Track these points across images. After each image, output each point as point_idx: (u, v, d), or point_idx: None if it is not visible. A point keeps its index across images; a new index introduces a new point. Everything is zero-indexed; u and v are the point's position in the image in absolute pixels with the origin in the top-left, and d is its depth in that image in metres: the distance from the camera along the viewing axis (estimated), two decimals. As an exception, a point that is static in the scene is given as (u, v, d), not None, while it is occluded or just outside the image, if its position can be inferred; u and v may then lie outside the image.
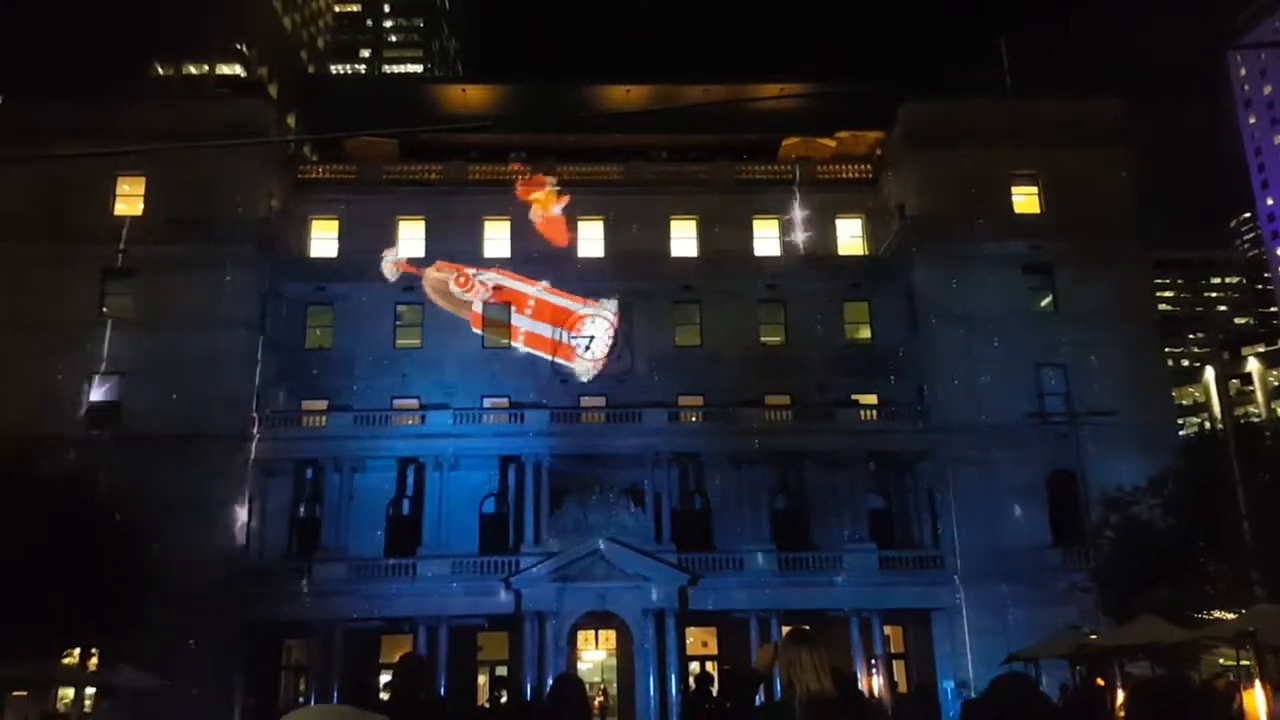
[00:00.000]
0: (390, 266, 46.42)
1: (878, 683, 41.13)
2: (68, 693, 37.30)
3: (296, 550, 44.48)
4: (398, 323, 49.36)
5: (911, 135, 48.72)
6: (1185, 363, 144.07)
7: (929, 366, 45.93)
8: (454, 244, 49.44)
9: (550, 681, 36.38)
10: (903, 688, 43.37)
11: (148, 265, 44.79)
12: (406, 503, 45.89)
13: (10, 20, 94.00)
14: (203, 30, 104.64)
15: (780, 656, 6.06)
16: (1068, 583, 39.03)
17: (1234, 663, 21.83)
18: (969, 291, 45.34)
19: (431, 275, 46.89)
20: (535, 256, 48.53)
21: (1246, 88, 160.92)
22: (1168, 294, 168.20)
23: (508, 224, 50.35)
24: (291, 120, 67.80)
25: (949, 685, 40.58)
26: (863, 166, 53.19)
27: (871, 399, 47.71)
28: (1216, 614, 28.88)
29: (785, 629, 35.58)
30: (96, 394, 43.96)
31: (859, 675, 40.55)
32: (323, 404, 46.36)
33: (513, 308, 47.23)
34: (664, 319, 49.51)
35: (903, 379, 47.34)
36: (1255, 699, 17.54)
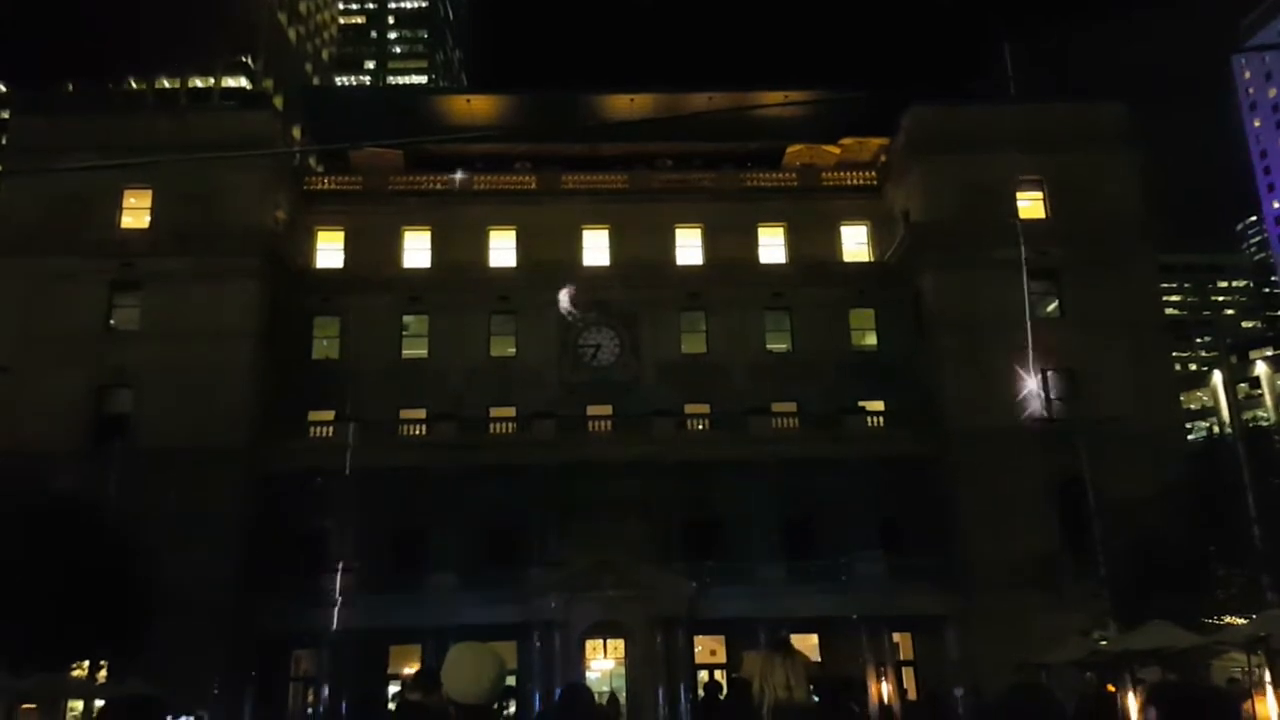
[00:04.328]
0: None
1: (887, 690, 40.97)
2: (77, 705, 37.23)
3: (304, 561, 44.36)
4: (404, 334, 49.44)
5: (916, 141, 48.66)
6: (1193, 367, 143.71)
7: (936, 373, 45.83)
8: (460, 254, 49.60)
9: (559, 691, 36.26)
10: (913, 695, 43.21)
11: (154, 278, 44.98)
12: (414, 514, 45.82)
13: (17, 37, 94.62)
14: (208, 43, 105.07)
15: (755, 664, 6.02)
16: (1077, 588, 38.79)
17: (1245, 668, 21.75)
18: (975, 297, 45.24)
19: None
20: (541, 266, 48.78)
21: (1251, 91, 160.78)
22: (1174, 298, 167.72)
23: (513, 233, 50.50)
24: (297, 132, 67.95)
25: (959, 692, 40.34)
26: (867, 173, 53.11)
27: (879, 406, 47.55)
28: (1227, 619, 28.75)
29: (794, 637, 35.51)
30: (104, 407, 44.12)
31: (869, 683, 40.43)
32: (329, 415, 46.30)
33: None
34: (670, 327, 49.51)
35: (910, 386, 47.18)
36: (1267, 703, 17.47)
